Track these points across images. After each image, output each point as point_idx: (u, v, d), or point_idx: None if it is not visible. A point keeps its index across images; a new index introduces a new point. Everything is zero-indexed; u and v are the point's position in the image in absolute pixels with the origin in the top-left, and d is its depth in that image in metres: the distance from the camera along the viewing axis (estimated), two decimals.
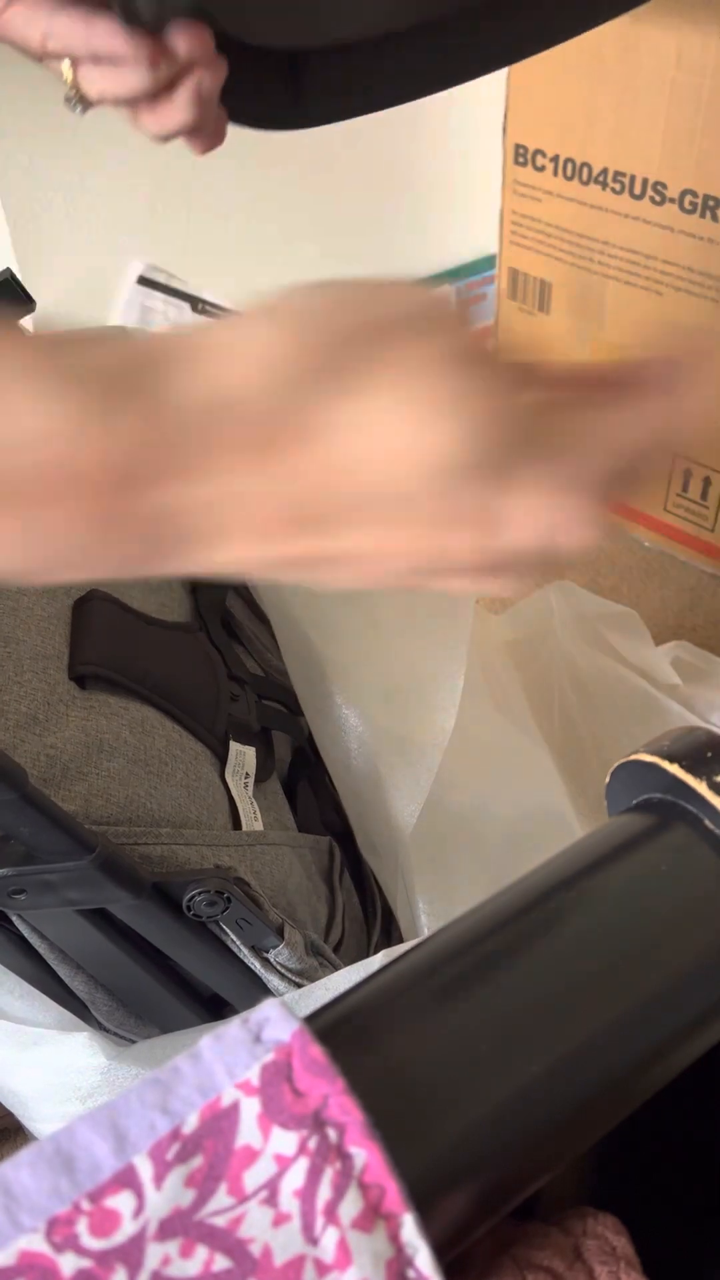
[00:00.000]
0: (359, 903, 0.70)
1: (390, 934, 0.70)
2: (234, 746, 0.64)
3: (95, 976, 0.55)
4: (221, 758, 0.62)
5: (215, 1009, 0.60)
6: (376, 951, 0.64)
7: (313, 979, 0.57)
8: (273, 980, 0.57)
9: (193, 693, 0.62)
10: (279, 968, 0.56)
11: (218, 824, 0.59)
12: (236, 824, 0.60)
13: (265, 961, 0.56)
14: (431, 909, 0.63)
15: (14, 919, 0.53)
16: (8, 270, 0.55)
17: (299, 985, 0.56)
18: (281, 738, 0.71)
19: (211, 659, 0.67)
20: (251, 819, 0.62)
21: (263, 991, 0.57)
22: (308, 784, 0.73)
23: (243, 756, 0.64)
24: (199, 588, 0.70)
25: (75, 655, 0.56)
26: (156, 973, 0.56)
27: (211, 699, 0.64)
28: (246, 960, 0.56)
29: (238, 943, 0.55)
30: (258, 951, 0.56)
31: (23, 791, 0.46)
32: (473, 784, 0.71)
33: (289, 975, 0.57)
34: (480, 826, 0.69)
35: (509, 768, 0.76)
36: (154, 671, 0.60)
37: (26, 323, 0.58)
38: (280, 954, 0.56)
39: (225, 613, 0.71)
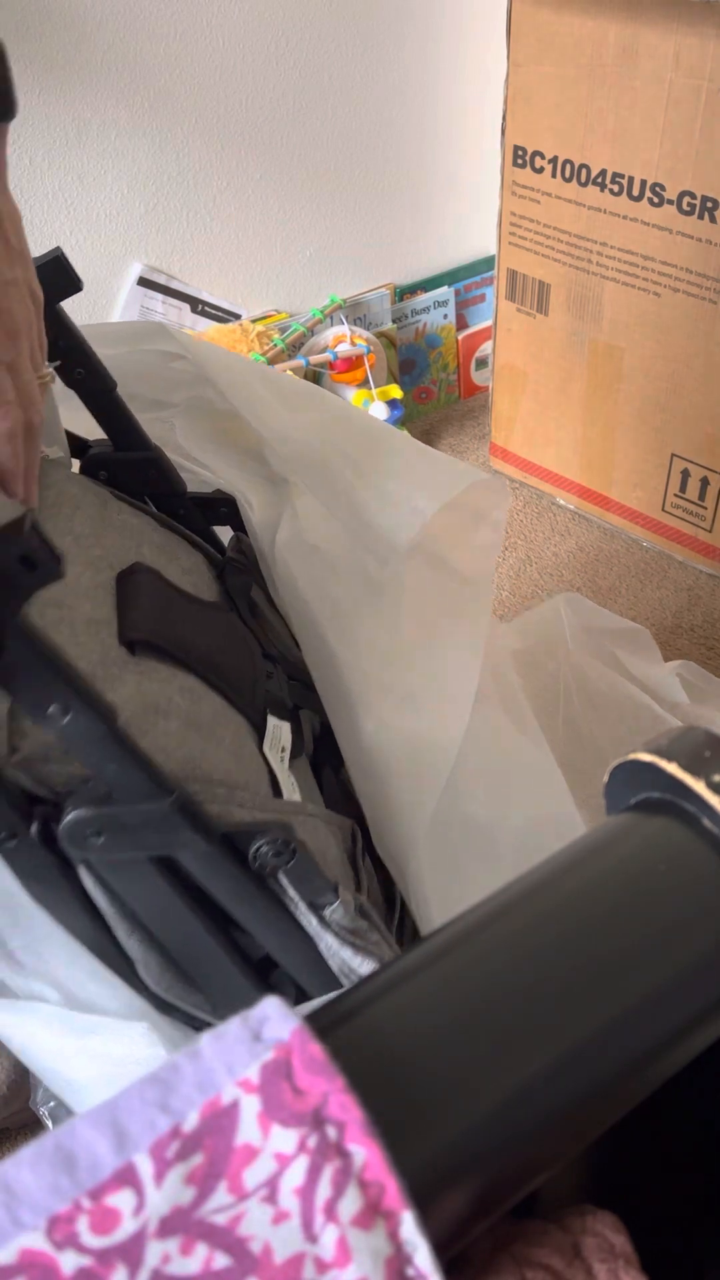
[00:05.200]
0: (379, 886, 0.71)
1: (404, 924, 0.71)
2: (271, 720, 0.64)
3: (153, 933, 0.56)
4: (260, 730, 0.63)
5: (264, 973, 0.60)
6: (398, 935, 0.64)
7: (365, 940, 0.58)
8: (327, 938, 0.57)
9: (232, 666, 0.63)
10: (334, 925, 0.57)
11: (262, 791, 0.59)
12: (277, 793, 0.61)
13: (321, 919, 0.57)
14: (444, 914, 0.63)
15: (81, 872, 0.53)
16: (58, 249, 0.55)
17: (353, 945, 0.57)
18: (309, 716, 0.72)
19: (245, 636, 0.67)
20: (290, 790, 0.63)
21: (314, 953, 0.58)
22: (330, 767, 0.74)
23: (279, 730, 0.65)
24: (225, 573, 0.71)
25: (124, 623, 0.56)
26: (213, 930, 0.56)
27: (249, 673, 0.65)
28: (303, 917, 0.57)
29: (296, 898, 0.56)
30: (315, 908, 0.56)
31: (113, 728, 0.47)
32: (484, 793, 0.71)
33: (344, 933, 0.57)
34: (493, 834, 0.70)
35: (519, 777, 0.76)
36: (196, 643, 0.60)
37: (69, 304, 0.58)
38: (335, 911, 0.57)
39: (249, 599, 0.71)
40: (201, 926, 0.56)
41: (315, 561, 0.66)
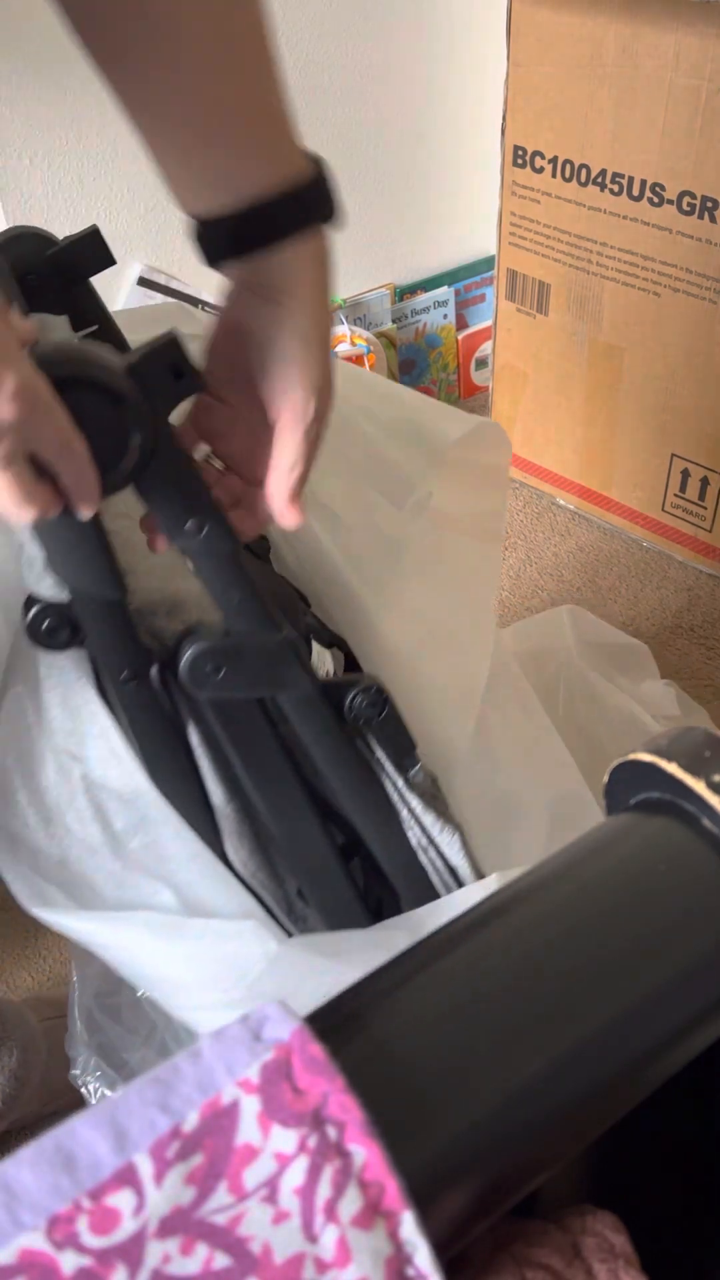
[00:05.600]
0: None
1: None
2: (315, 646, 0.67)
3: (246, 796, 0.58)
4: (307, 654, 0.66)
5: (346, 859, 0.63)
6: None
7: (444, 815, 0.60)
8: (411, 802, 0.60)
9: (276, 595, 0.65)
10: (418, 788, 0.59)
11: None
12: None
13: (407, 781, 0.59)
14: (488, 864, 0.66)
15: (189, 730, 0.56)
16: (94, 226, 0.57)
17: (435, 810, 0.60)
18: (338, 655, 0.74)
19: (280, 577, 0.70)
20: None
21: (396, 824, 0.60)
22: None
23: (323, 656, 0.68)
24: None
25: None
26: (304, 792, 0.59)
27: (292, 604, 0.67)
28: (391, 777, 0.59)
29: (383, 759, 0.59)
30: (401, 770, 0.59)
31: (239, 549, 0.51)
32: (511, 770, 0.75)
33: (426, 796, 0.60)
34: (527, 808, 0.73)
35: (540, 759, 0.80)
36: (248, 568, 0.63)
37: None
38: (418, 774, 0.59)
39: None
40: (294, 782, 0.58)
41: (329, 519, 0.68)
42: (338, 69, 1.47)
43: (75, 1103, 0.83)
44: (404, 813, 0.60)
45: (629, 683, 1.02)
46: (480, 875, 0.61)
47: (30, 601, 0.53)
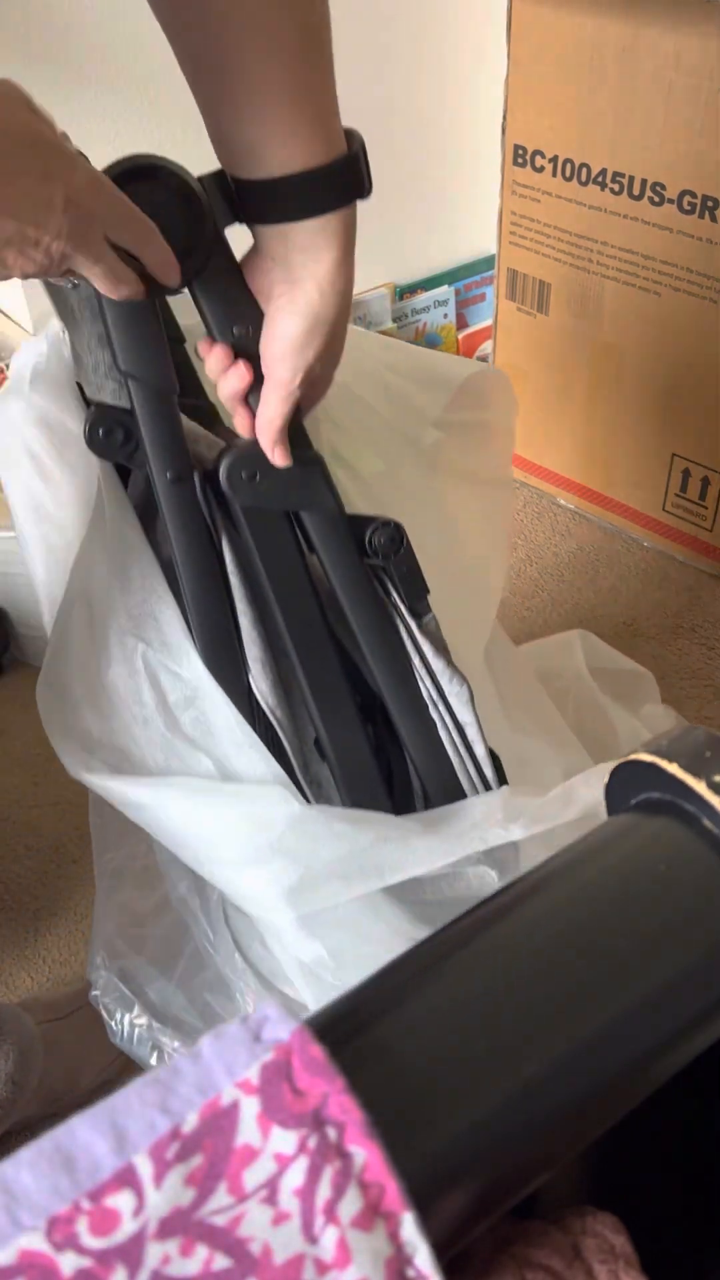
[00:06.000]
0: None
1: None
2: None
3: (272, 607, 0.62)
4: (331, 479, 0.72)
5: (366, 716, 0.67)
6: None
7: (453, 664, 0.65)
8: (424, 645, 0.64)
9: None
10: (430, 634, 0.64)
11: None
12: None
13: (421, 625, 0.64)
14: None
15: (225, 543, 0.61)
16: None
17: (445, 658, 0.64)
18: None
19: None
20: None
21: (407, 666, 0.65)
22: None
23: None
24: None
25: None
26: (322, 613, 0.64)
27: None
28: (405, 620, 0.64)
29: (399, 602, 0.64)
30: (415, 614, 0.64)
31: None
32: (529, 732, 0.79)
33: (438, 642, 0.65)
34: (536, 760, 0.78)
35: (548, 732, 0.85)
36: None
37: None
38: (430, 621, 0.65)
39: None
40: (317, 609, 0.63)
41: (350, 473, 0.72)
42: (337, 68, 1.47)
43: (75, 1105, 0.83)
44: (415, 660, 0.65)
45: (631, 706, 1.06)
46: (482, 731, 0.66)
47: (91, 409, 0.59)
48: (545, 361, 1.46)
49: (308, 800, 0.65)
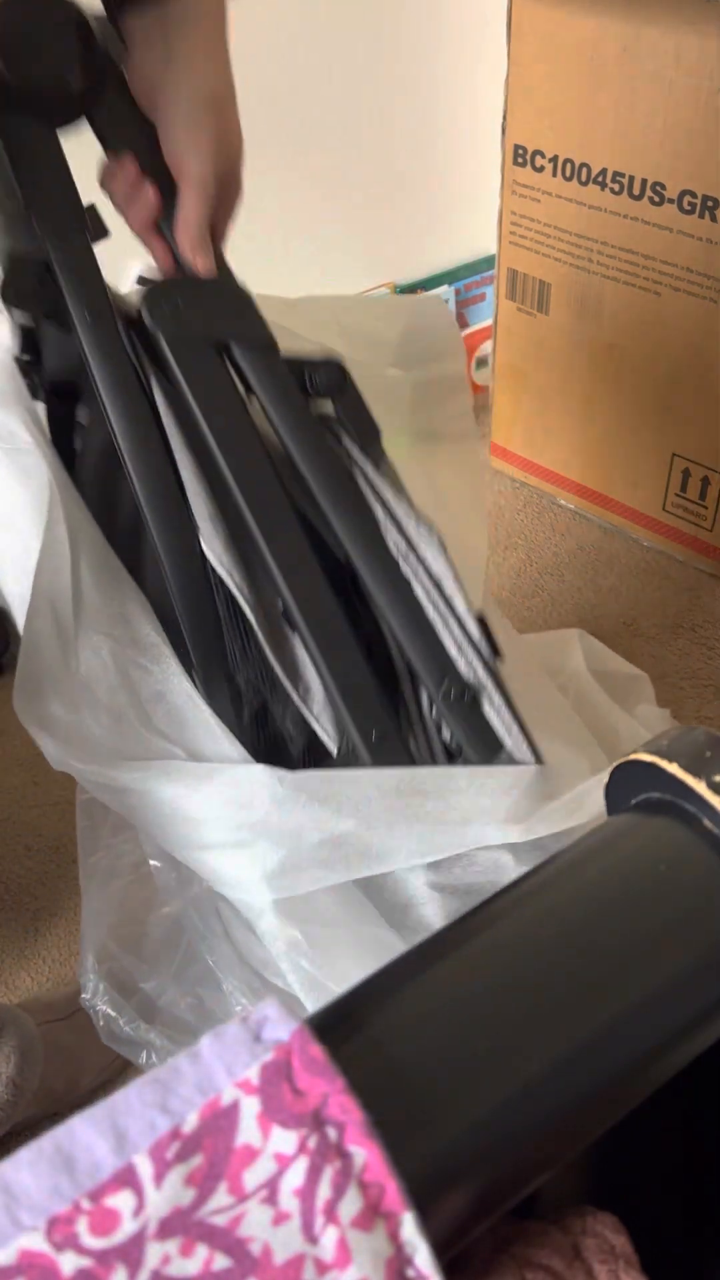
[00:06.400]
0: None
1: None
2: None
3: (214, 452, 0.59)
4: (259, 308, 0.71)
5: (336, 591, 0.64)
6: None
7: (417, 511, 0.61)
8: (385, 492, 0.61)
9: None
10: (388, 476, 0.61)
11: None
12: None
13: (376, 468, 0.61)
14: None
15: (156, 393, 0.59)
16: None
17: (407, 503, 0.61)
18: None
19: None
20: None
21: (373, 521, 0.60)
22: None
23: None
24: None
25: None
26: (271, 461, 0.60)
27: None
28: (360, 466, 0.61)
29: (350, 447, 0.61)
30: (369, 457, 0.62)
31: None
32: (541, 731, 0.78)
33: (397, 484, 0.61)
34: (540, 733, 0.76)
35: (556, 723, 0.84)
36: None
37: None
38: (385, 463, 0.62)
39: None
40: (259, 444, 0.59)
41: None
42: (337, 68, 1.47)
43: (75, 1105, 0.83)
44: (379, 510, 0.61)
45: (626, 707, 1.06)
46: (461, 584, 0.61)
47: (7, 262, 0.58)
48: (545, 361, 1.46)
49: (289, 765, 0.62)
